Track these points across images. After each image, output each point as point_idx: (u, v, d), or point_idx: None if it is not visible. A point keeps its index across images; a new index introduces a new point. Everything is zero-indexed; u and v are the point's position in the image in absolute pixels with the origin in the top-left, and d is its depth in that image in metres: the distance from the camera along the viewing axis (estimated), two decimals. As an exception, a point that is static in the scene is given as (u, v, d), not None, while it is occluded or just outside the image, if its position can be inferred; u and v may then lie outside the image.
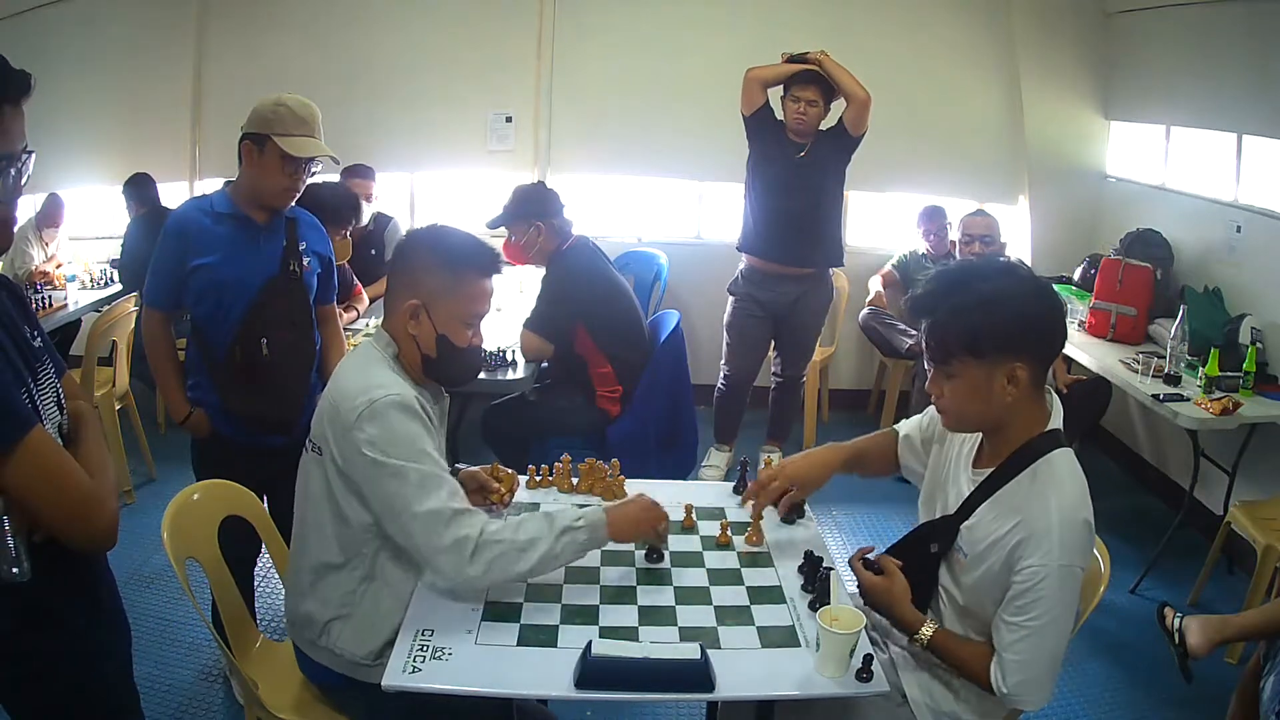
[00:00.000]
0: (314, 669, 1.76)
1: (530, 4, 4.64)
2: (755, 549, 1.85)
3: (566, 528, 1.61)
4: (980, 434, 1.63)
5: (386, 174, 4.51)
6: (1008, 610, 1.47)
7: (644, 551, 1.79)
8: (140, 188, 4.23)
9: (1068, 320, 3.82)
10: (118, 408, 3.71)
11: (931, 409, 1.82)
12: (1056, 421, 1.55)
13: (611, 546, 1.81)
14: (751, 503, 1.86)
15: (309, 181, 2.32)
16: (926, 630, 1.57)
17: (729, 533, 1.89)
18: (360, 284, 3.75)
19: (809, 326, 3.89)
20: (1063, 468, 1.50)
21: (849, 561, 1.69)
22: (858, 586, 1.67)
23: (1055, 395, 1.58)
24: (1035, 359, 1.48)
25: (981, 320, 1.44)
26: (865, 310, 4.45)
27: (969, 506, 1.57)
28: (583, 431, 3.14)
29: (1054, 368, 3.55)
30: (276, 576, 2.74)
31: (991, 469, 1.55)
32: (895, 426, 1.91)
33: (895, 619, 1.62)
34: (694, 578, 1.74)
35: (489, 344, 3.06)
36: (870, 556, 1.67)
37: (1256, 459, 3.20)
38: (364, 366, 1.69)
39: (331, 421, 1.62)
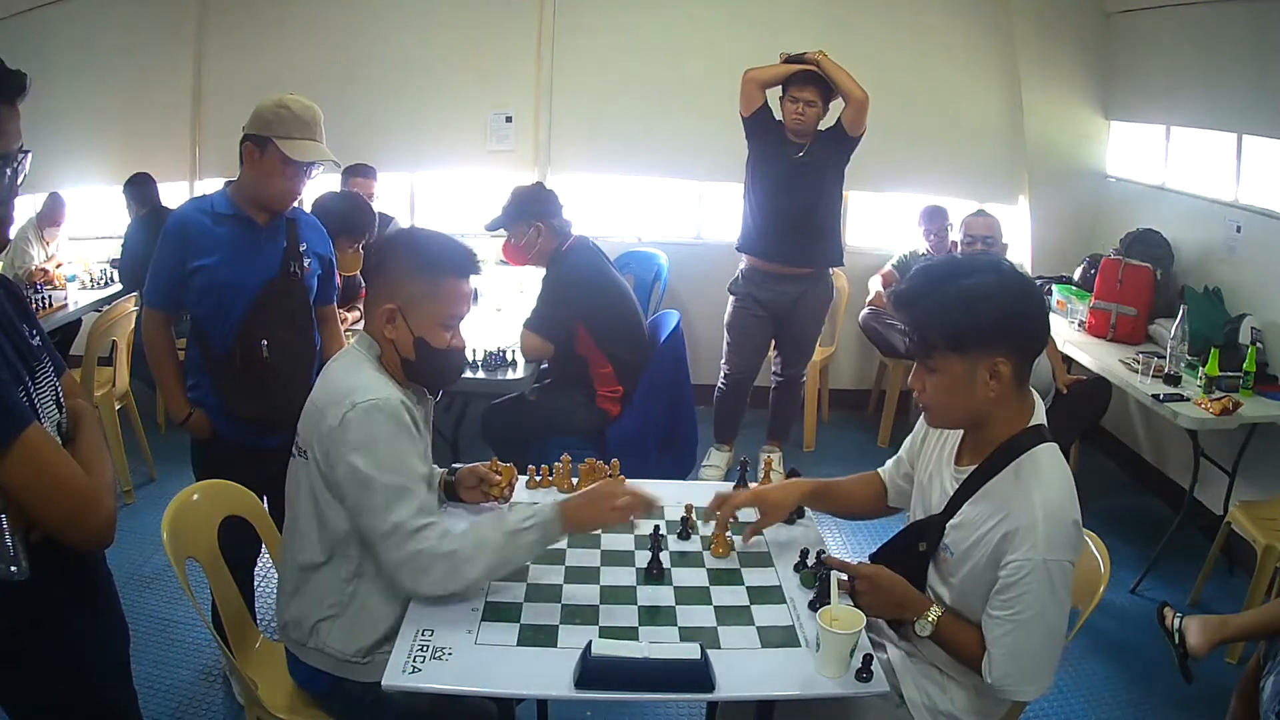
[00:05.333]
0: (303, 673, 1.76)
1: (530, 4, 4.64)
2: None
3: (514, 529, 1.60)
4: (961, 432, 1.63)
5: (386, 174, 4.50)
6: (993, 604, 1.47)
7: (644, 567, 1.76)
8: (140, 188, 4.23)
9: (1069, 320, 3.90)
10: (118, 408, 3.71)
11: (909, 437, 1.83)
12: (1039, 417, 1.55)
13: (612, 546, 1.83)
14: (716, 516, 1.82)
15: (322, 192, 2.32)
16: (933, 614, 1.54)
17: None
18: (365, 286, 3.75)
19: (809, 326, 3.89)
20: (1047, 463, 1.50)
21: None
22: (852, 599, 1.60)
23: (1035, 392, 1.58)
24: (1017, 354, 1.48)
25: (963, 315, 1.45)
26: (865, 310, 4.45)
27: (954, 505, 1.57)
28: (583, 431, 3.14)
29: (1054, 367, 3.59)
30: (276, 576, 2.74)
31: (974, 466, 1.56)
32: (879, 470, 1.90)
33: (903, 608, 1.58)
34: (694, 578, 1.74)
35: (489, 344, 3.10)
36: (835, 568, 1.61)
37: (1256, 459, 3.20)
38: (349, 369, 1.68)
39: (316, 425, 1.62)
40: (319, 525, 1.66)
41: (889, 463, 1.89)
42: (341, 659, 1.69)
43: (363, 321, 3.63)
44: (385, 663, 1.64)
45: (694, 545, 1.87)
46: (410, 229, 1.79)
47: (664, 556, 1.80)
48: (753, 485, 1.94)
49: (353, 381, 1.63)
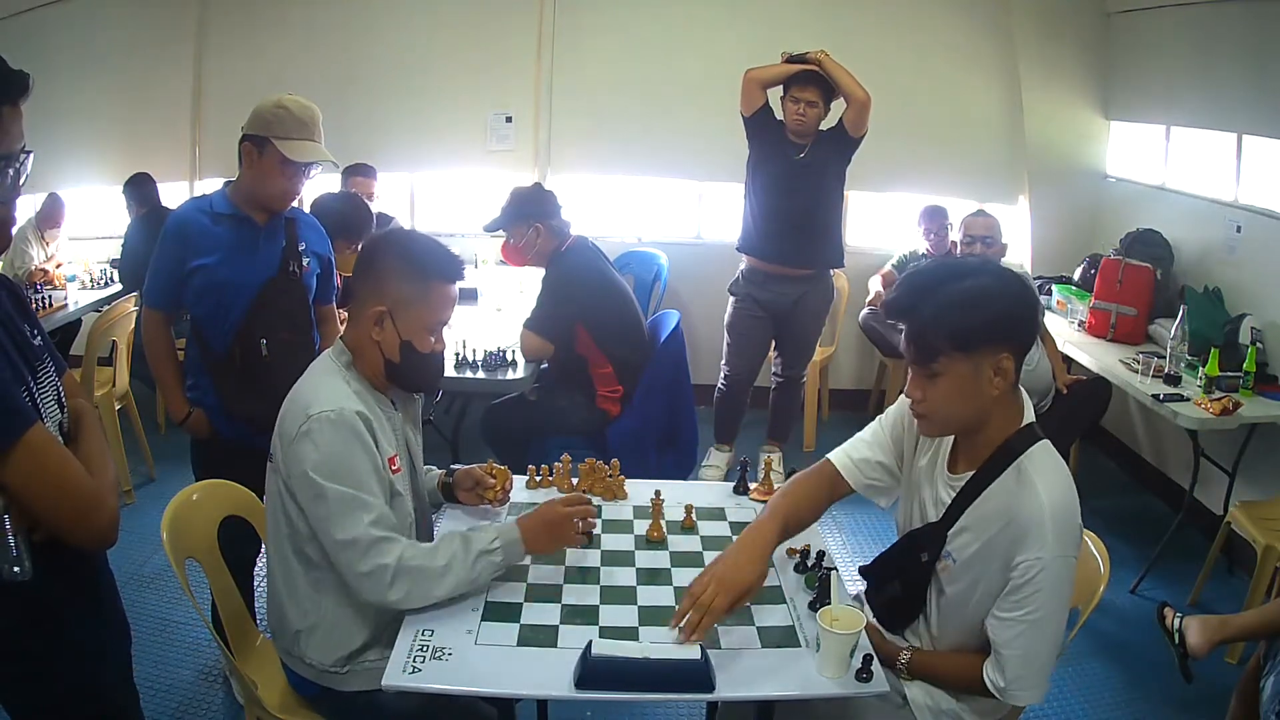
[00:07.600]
0: (294, 677, 1.77)
1: (530, 4, 4.64)
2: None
3: (482, 551, 1.62)
4: (951, 439, 1.61)
5: (386, 174, 4.50)
6: (1003, 606, 1.47)
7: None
8: (140, 188, 4.23)
9: (1069, 320, 3.90)
10: (118, 408, 3.71)
11: (869, 428, 1.78)
12: (1030, 416, 1.55)
13: (612, 546, 1.83)
14: (692, 625, 1.50)
15: (320, 192, 2.32)
16: (905, 656, 1.61)
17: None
18: None
19: (809, 326, 3.89)
20: (1046, 461, 1.50)
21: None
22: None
23: (1024, 390, 1.58)
24: (1017, 348, 1.49)
25: (966, 314, 1.45)
26: (865, 310, 4.45)
27: (954, 512, 1.55)
28: (583, 431, 3.14)
29: (1054, 367, 3.59)
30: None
31: (971, 472, 1.54)
32: (829, 458, 1.77)
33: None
34: (694, 578, 1.74)
35: (489, 344, 3.10)
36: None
37: (1256, 459, 3.20)
38: (315, 380, 1.68)
39: (281, 434, 1.63)
40: (292, 534, 1.66)
41: (850, 460, 1.74)
42: (322, 669, 1.69)
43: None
44: (366, 672, 1.65)
45: (694, 545, 1.87)
46: (399, 231, 1.81)
47: (663, 556, 1.81)
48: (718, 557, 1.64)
49: (314, 393, 1.63)
